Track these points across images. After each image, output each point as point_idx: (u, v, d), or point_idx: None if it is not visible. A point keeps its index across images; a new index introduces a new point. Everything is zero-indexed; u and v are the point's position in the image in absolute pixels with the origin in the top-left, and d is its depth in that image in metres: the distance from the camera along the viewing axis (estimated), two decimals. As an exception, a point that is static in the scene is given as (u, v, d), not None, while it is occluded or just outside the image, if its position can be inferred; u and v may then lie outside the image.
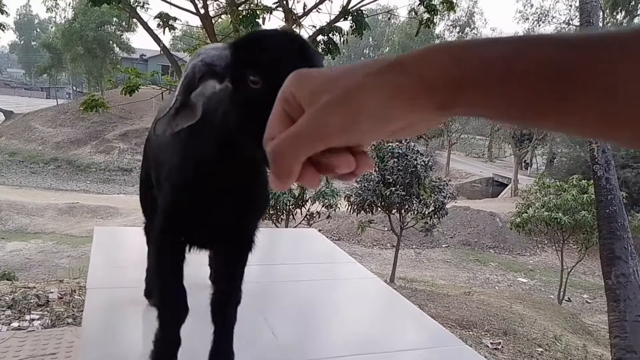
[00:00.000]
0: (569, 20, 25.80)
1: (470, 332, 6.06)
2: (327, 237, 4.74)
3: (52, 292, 3.43)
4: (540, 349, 6.01)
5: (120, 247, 1.66)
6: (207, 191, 1.18)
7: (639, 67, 0.32)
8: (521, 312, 7.83)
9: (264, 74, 0.83)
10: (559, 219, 11.06)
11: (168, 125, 0.95)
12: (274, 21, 7.78)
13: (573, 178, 12.17)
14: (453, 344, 1.84)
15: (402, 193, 10.34)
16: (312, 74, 0.43)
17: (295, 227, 9.79)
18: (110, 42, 34.75)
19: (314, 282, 2.02)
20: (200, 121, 0.98)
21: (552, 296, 12.03)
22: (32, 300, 3.14)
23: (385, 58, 0.40)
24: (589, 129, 0.36)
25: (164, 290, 1.32)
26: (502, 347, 5.65)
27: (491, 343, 5.69)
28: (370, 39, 52.33)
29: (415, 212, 10.66)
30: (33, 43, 55.96)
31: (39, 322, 2.70)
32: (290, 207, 10.11)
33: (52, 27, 37.87)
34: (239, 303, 1.40)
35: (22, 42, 60.22)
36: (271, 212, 10.62)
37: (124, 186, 24.15)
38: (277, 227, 9.99)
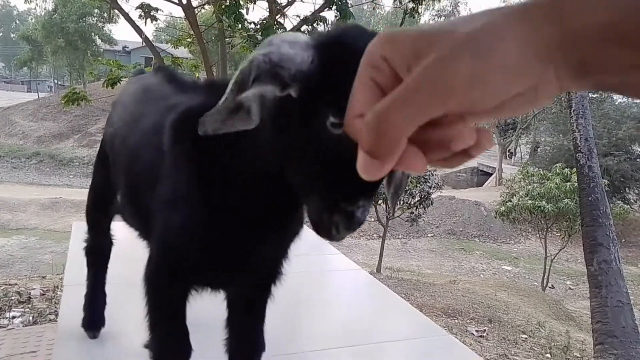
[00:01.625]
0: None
1: (456, 320, 6.12)
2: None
3: (34, 289, 3.38)
4: (524, 336, 6.10)
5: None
6: (234, 225, 0.92)
7: None
8: (506, 299, 7.93)
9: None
10: (542, 207, 11.20)
11: (223, 125, 0.67)
12: (257, 11, 7.71)
13: (556, 167, 12.31)
14: (437, 334, 1.85)
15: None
16: (407, 33, 0.34)
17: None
18: (92, 34, 34.15)
19: (300, 274, 2.01)
20: (236, 136, 0.71)
21: (536, 283, 12.20)
22: (13, 297, 3.09)
23: (509, 4, 0.32)
24: None
25: (166, 340, 1.12)
26: (487, 334, 5.72)
27: (476, 330, 5.75)
28: (355, 30, 52.20)
29: (401, 202, 10.70)
30: (12, 35, 54.86)
31: (20, 319, 2.65)
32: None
33: (31, 19, 37.09)
34: (264, 350, 1.21)
35: (1, 34, 59.04)
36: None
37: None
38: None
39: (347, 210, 0.61)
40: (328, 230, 0.65)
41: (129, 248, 1.87)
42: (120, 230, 1.74)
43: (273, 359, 1.55)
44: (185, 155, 0.94)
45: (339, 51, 0.59)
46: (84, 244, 1.66)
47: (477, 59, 0.31)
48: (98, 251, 1.66)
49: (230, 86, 0.65)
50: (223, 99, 0.66)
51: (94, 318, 1.65)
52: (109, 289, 1.69)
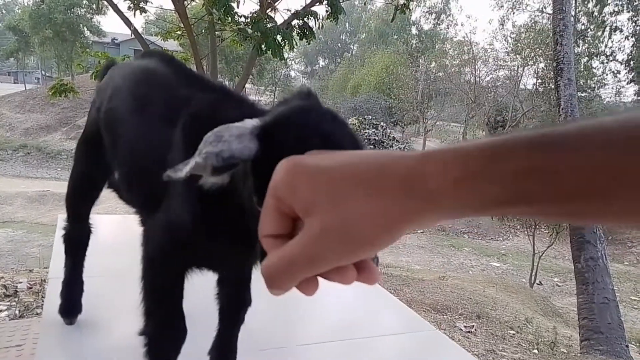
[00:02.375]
0: (542, 9, 26.11)
1: (445, 316, 6.16)
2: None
3: (21, 282, 3.34)
4: (512, 332, 6.15)
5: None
6: (227, 231, 0.98)
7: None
8: (494, 295, 7.99)
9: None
10: (531, 205, 11.31)
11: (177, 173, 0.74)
12: (248, 4, 7.66)
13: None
14: (425, 329, 1.85)
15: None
16: (303, 172, 0.41)
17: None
18: (80, 25, 33.73)
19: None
20: None
21: (524, 280, 12.32)
22: (-1, 291, 3.05)
23: (395, 166, 0.39)
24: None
25: (163, 322, 1.12)
26: (475, 330, 5.76)
27: (465, 326, 5.79)
28: (347, 25, 52.12)
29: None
30: (-2, 25, 54.03)
31: (6, 312, 2.62)
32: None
33: (18, 9, 36.54)
34: (249, 305, 1.31)
35: (-14, 24, 58.09)
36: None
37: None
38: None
39: None
40: None
41: (116, 241, 1.86)
42: (107, 223, 1.73)
43: (262, 353, 1.54)
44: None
45: (272, 147, 0.67)
46: (62, 232, 1.65)
47: (349, 244, 0.38)
48: (77, 239, 1.65)
49: (188, 168, 0.70)
50: (181, 173, 0.70)
51: (70, 304, 1.65)
52: (95, 281, 1.67)
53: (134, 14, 7.78)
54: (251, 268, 1.23)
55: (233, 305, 1.30)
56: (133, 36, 8.31)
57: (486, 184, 0.35)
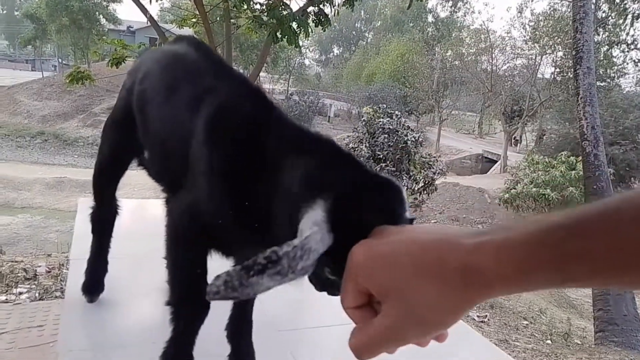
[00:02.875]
0: (562, -4, 25.57)
1: (458, 306, 6.16)
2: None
3: (40, 266, 3.40)
4: (525, 322, 6.14)
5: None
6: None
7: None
8: (508, 286, 7.96)
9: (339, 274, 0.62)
10: (547, 195, 11.20)
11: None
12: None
13: (562, 155, 12.27)
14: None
15: (392, 169, 10.38)
16: (377, 258, 0.50)
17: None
18: (96, 13, 33.91)
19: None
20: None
21: (538, 271, 12.24)
22: (19, 274, 3.11)
23: (438, 256, 0.45)
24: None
25: (192, 288, 1.18)
26: (488, 319, 5.75)
27: (478, 316, 5.79)
28: (362, 12, 51.65)
29: (405, 187, 10.70)
30: (16, 13, 54.55)
31: (26, 295, 2.68)
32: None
33: (35, -3, 36.89)
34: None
35: (4, 11, 58.71)
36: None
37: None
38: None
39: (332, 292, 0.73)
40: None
41: (133, 225, 1.89)
42: (124, 208, 1.75)
43: (281, 334, 1.57)
44: (218, 150, 1.06)
45: (343, 234, 0.64)
46: (90, 211, 1.67)
47: (422, 329, 0.47)
48: (104, 219, 1.68)
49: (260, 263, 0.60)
50: (240, 275, 0.60)
51: (92, 282, 1.68)
52: (115, 263, 1.70)
53: (150, 2, 7.80)
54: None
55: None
56: (149, 24, 8.33)
57: (534, 272, 0.41)
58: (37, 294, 2.70)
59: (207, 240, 1.14)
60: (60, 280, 3.02)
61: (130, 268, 1.96)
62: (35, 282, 2.99)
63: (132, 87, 1.43)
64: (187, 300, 1.18)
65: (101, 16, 34.54)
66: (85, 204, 1.74)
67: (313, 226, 0.67)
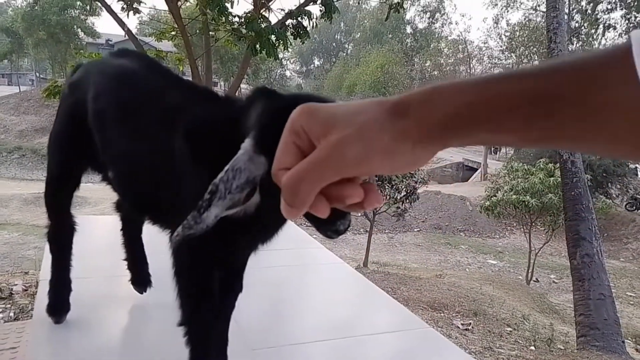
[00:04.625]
0: (536, 7, 26.15)
1: (442, 314, 6.17)
2: (301, 223, 4.72)
3: (16, 285, 3.32)
4: (509, 329, 6.17)
5: (78, 237, 1.60)
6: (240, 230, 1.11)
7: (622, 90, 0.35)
8: (491, 293, 8.01)
9: None
10: (526, 202, 11.32)
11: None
12: (242, 4, 7.64)
13: (540, 162, 12.44)
14: (419, 327, 1.85)
15: (375, 178, 10.41)
16: (320, 109, 0.46)
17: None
18: (75, 26, 33.60)
19: (283, 267, 2.01)
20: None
21: (520, 277, 12.35)
22: (-6, 294, 3.03)
23: (390, 98, 0.45)
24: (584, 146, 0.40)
25: (202, 311, 1.25)
26: (472, 327, 5.77)
27: (462, 324, 5.80)
28: (342, 24, 52.07)
29: (388, 197, 10.75)
30: (-8, 27, 53.67)
31: (0, 315, 2.61)
32: (263, 194, 10.05)
33: (11, 11, 36.36)
34: (240, 291, 1.38)
35: (-21, 26, 57.74)
36: (243, 199, 10.53)
37: (92, 175, 23.56)
38: (250, 214, 9.92)
39: (333, 229, 0.81)
40: (327, 236, 0.84)
41: (110, 242, 1.85)
42: (102, 225, 1.72)
43: (255, 352, 1.54)
44: (200, 165, 1.09)
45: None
46: (46, 230, 1.64)
47: (363, 148, 0.43)
48: (60, 236, 1.64)
49: (215, 214, 0.72)
50: (208, 220, 0.72)
51: (58, 303, 1.64)
52: (89, 282, 1.66)
53: (127, 15, 7.76)
54: (247, 257, 1.33)
55: (226, 290, 1.35)
56: (127, 37, 8.28)
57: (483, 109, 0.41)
58: (12, 314, 2.62)
59: (216, 260, 1.21)
60: (35, 298, 2.94)
61: (107, 286, 1.92)
62: (11, 302, 2.91)
63: (79, 102, 1.40)
64: (202, 317, 1.24)
65: (79, 30, 34.23)
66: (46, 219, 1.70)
67: (240, 151, 0.76)
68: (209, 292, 1.23)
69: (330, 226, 0.79)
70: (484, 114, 0.40)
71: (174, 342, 1.53)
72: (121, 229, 1.79)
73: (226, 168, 0.71)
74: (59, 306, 1.64)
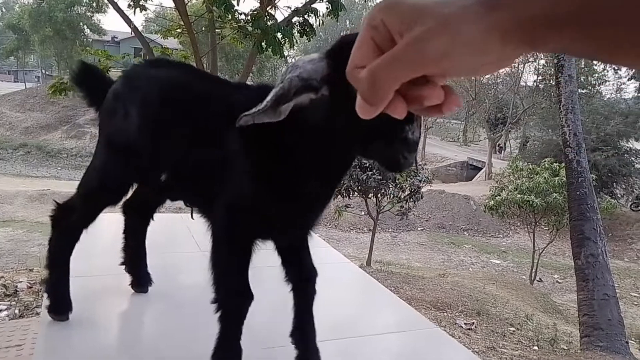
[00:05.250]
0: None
1: (445, 313, 6.16)
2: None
3: (21, 282, 3.34)
4: (512, 329, 6.16)
5: (82, 234, 1.60)
6: (306, 186, 1.17)
7: None
8: (494, 292, 7.99)
9: None
10: (531, 202, 11.28)
11: (251, 118, 0.99)
12: (248, 2, 7.65)
13: (545, 161, 12.38)
14: (424, 327, 1.85)
15: (379, 177, 10.38)
16: (403, 2, 0.44)
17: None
18: (81, 23, 33.68)
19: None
20: (292, 121, 0.98)
21: (524, 277, 12.31)
22: (-1, 290, 3.06)
23: None
24: None
25: (238, 288, 1.29)
26: (475, 327, 5.77)
27: (465, 323, 5.80)
28: (348, 22, 51.94)
29: (392, 196, 10.73)
30: (-2, 24, 53.84)
31: (5, 312, 2.62)
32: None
33: (17, 7, 36.44)
34: (317, 275, 1.42)
35: (-14, 23, 57.91)
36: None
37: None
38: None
39: (402, 137, 0.85)
40: (397, 161, 0.90)
41: (115, 239, 1.86)
42: (107, 223, 1.72)
43: (260, 352, 1.55)
44: (252, 150, 1.19)
45: (340, 50, 0.87)
46: (60, 223, 1.62)
47: (449, 39, 0.40)
48: (77, 237, 1.62)
49: (270, 97, 0.95)
50: (262, 106, 0.96)
51: (68, 300, 1.63)
52: (94, 280, 1.67)
53: (134, 12, 7.77)
54: (307, 237, 1.37)
55: (303, 280, 1.40)
56: (133, 34, 8.29)
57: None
58: (17, 311, 2.64)
59: (255, 234, 1.25)
60: (42, 296, 2.96)
61: (111, 284, 1.93)
62: (16, 299, 2.94)
63: (132, 115, 1.43)
64: (236, 295, 1.27)
65: (85, 27, 34.30)
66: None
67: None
68: (241, 267, 1.26)
69: (398, 146, 0.84)
70: (588, 15, 0.37)
71: (179, 339, 1.54)
72: (124, 232, 1.79)
73: (288, 64, 0.85)
74: (64, 304, 1.63)
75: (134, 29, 8.35)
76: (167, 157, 1.41)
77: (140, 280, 1.85)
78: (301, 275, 1.40)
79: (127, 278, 1.84)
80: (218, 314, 1.26)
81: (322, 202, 1.26)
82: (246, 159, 1.20)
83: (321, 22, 7.65)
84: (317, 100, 0.93)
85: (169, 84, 1.44)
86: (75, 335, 1.55)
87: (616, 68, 26.89)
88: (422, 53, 0.41)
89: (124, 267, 1.82)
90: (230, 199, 1.24)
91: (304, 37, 7.51)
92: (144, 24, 30.97)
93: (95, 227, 1.65)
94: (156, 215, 1.81)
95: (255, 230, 1.26)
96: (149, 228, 1.81)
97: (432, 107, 0.46)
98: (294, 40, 7.23)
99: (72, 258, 1.62)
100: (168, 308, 1.80)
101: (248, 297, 1.28)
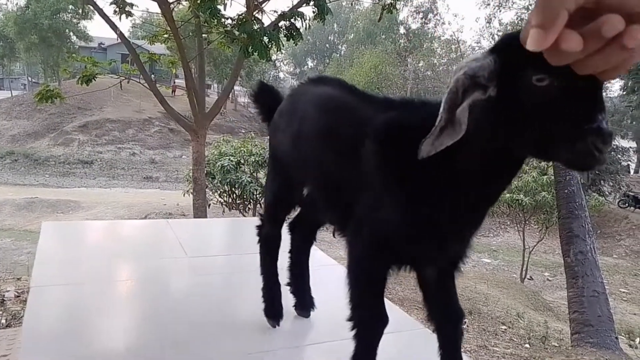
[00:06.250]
0: (528, 6, 26.23)
1: (437, 314, 6.18)
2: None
3: (8, 291, 3.30)
4: (504, 327, 6.19)
5: (69, 242, 1.58)
6: (459, 205, 1.05)
7: None
8: (485, 291, 8.03)
9: (548, 69, 0.65)
10: (520, 200, 11.36)
11: (432, 146, 0.90)
12: (235, 6, 7.65)
13: (533, 160, 12.49)
14: (413, 328, 1.86)
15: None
16: None
17: (262, 215, 9.71)
18: (67, 30, 33.44)
19: (280, 270, 2.00)
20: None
21: (514, 275, 12.39)
22: (-14, 300, 3.02)
23: None
24: None
25: (373, 312, 1.27)
26: (467, 326, 5.79)
27: (457, 323, 5.81)
28: (335, 26, 52.07)
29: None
30: (-17, 32, 53.30)
31: (-8, 322, 2.59)
32: (258, 196, 10.04)
33: (1, 15, 36.13)
34: (464, 316, 1.34)
35: (-30, 30, 57.32)
36: (238, 201, 10.52)
37: (85, 179, 23.46)
38: (244, 216, 9.91)
39: (594, 127, 0.74)
40: (591, 155, 0.77)
41: (102, 248, 1.85)
42: (94, 230, 1.71)
43: (251, 356, 1.54)
44: (391, 161, 1.12)
45: (507, 45, 0.83)
46: (259, 234, 1.73)
47: None
48: (275, 241, 1.73)
49: (442, 107, 0.88)
50: (438, 120, 0.89)
51: (279, 306, 1.72)
52: (83, 288, 1.65)
53: (120, 18, 7.74)
54: (457, 263, 1.26)
55: (453, 321, 1.32)
56: (119, 40, 8.26)
57: None
58: (3, 321, 2.61)
59: (395, 259, 1.21)
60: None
61: (102, 291, 1.91)
62: (3, 308, 2.90)
63: (287, 129, 1.51)
64: (370, 319, 1.26)
65: (71, 33, 34.07)
66: (50, 227, 1.68)
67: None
68: (378, 292, 1.25)
69: (592, 138, 0.73)
70: None
71: (170, 349, 1.53)
72: (290, 252, 1.81)
73: (455, 67, 0.88)
74: (280, 310, 1.72)
75: (120, 35, 8.31)
76: (310, 170, 1.44)
77: (304, 303, 1.83)
78: (450, 317, 1.32)
79: (117, 285, 1.82)
80: (353, 333, 1.26)
81: (468, 228, 1.14)
82: (390, 179, 1.12)
83: (308, 25, 7.67)
84: (477, 105, 0.87)
85: (320, 99, 1.46)
86: (61, 344, 1.53)
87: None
88: None
89: (288, 287, 1.80)
90: (376, 227, 1.17)
91: (291, 40, 7.52)
92: (130, 30, 30.85)
93: (83, 234, 1.64)
94: (141, 222, 1.80)
95: (398, 262, 1.22)
96: (134, 233, 1.80)
97: (612, 45, 0.44)
98: (281, 44, 7.24)
99: (56, 265, 1.61)
100: (155, 314, 1.79)
101: (382, 320, 1.26)
